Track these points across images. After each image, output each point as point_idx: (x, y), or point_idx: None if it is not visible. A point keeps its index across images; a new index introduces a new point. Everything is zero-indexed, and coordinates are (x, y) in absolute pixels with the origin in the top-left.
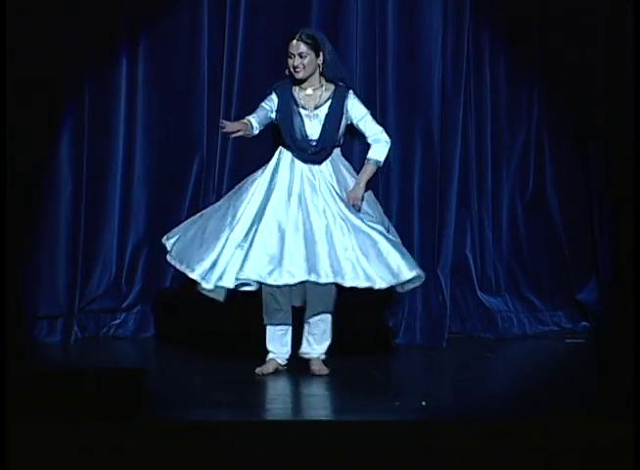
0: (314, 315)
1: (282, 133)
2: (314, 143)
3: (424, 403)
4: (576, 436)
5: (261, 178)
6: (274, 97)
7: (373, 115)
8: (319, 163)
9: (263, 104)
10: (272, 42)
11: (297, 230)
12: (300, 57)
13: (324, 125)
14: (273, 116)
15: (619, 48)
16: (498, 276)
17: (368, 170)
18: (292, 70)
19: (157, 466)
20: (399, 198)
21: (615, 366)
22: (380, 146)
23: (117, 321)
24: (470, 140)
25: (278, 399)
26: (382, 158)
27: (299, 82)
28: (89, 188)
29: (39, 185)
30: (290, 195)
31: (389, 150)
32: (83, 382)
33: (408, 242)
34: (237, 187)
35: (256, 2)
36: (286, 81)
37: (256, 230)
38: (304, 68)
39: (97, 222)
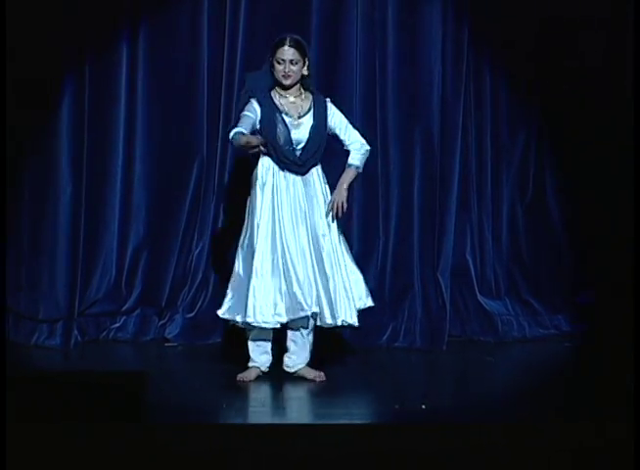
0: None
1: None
2: (299, 152)
3: (423, 407)
4: (576, 438)
5: (259, 209)
6: (256, 105)
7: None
8: (302, 174)
9: (247, 113)
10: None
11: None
12: (292, 64)
13: (310, 136)
14: (257, 124)
15: (619, 51)
16: (498, 279)
17: (350, 174)
18: (280, 76)
19: (155, 469)
20: (399, 201)
21: (614, 369)
22: (360, 152)
23: (117, 324)
24: (470, 143)
25: (277, 402)
26: (362, 163)
27: (282, 88)
28: (89, 191)
29: (39, 187)
30: (274, 225)
31: (367, 158)
32: (83, 385)
33: (408, 245)
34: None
35: (256, 5)
36: (259, 81)
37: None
38: (294, 74)
39: (97, 225)
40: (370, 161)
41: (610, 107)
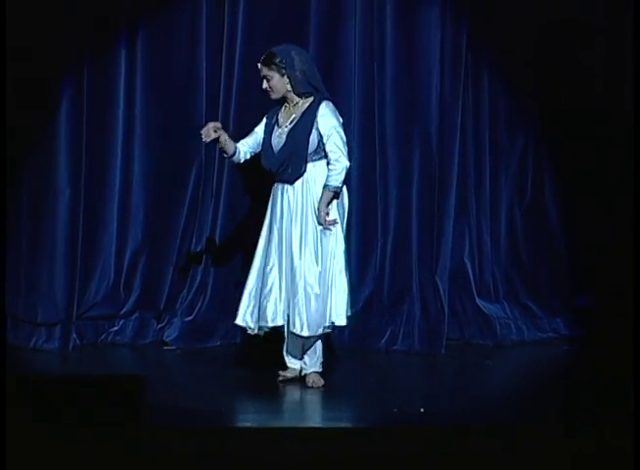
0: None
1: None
2: (275, 153)
3: (422, 410)
4: (574, 442)
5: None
6: (264, 120)
7: (345, 130)
8: (291, 182)
9: (255, 129)
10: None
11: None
12: (266, 80)
13: (287, 137)
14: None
15: (619, 52)
16: (496, 283)
17: (325, 197)
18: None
19: None
20: (397, 205)
21: (613, 373)
22: (336, 171)
23: (116, 328)
24: (468, 147)
25: (276, 406)
26: (339, 183)
27: (285, 101)
28: (87, 194)
29: (37, 190)
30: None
31: (347, 173)
32: (82, 389)
33: (406, 248)
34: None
35: (254, 8)
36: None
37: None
38: (272, 89)
39: (95, 229)
40: (369, 163)
41: (608, 110)
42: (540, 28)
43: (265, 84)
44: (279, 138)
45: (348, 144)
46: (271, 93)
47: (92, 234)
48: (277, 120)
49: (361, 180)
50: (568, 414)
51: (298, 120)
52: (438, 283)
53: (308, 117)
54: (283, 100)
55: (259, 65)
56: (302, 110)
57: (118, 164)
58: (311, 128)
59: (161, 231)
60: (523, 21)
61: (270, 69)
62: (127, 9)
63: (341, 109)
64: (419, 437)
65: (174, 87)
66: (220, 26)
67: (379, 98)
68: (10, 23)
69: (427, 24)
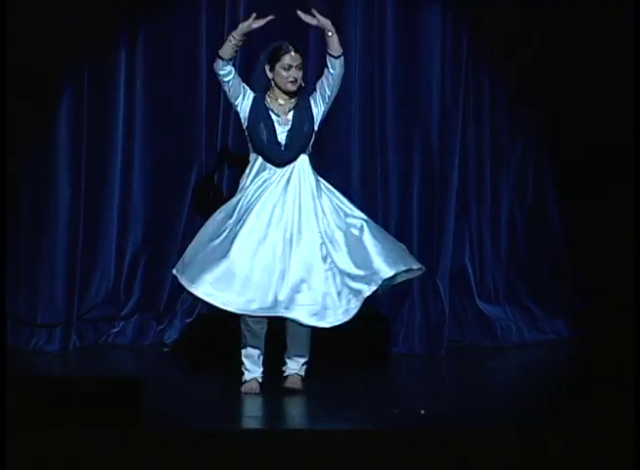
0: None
1: (253, 139)
2: (283, 148)
3: (423, 412)
4: (575, 443)
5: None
6: (249, 92)
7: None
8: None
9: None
10: None
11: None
12: (298, 69)
13: (290, 135)
14: (239, 103)
15: (621, 52)
16: (497, 285)
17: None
18: (287, 82)
19: None
20: (398, 206)
21: (613, 374)
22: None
23: (116, 330)
24: (469, 147)
25: (276, 407)
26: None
27: (273, 94)
28: (88, 196)
29: (37, 192)
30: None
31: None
32: (82, 390)
33: (408, 250)
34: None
35: (255, 9)
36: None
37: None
38: (299, 80)
39: (96, 230)
40: (369, 164)
41: (609, 111)
42: (542, 32)
43: (297, 73)
44: (282, 128)
45: (349, 144)
46: (296, 83)
47: (92, 235)
48: (266, 107)
49: (361, 181)
50: (569, 416)
51: (296, 112)
52: (439, 284)
53: (303, 112)
54: (266, 92)
55: (293, 53)
56: (294, 103)
57: (119, 164)
58: (311, 120)
59: (162, 232)
60: (524, 25)
61: (303, 59)
62: (127, 8)
63: (340, 109)
64: (419, 438)
65: (174, 87)
66: (221, 26)
67: (379, 98)
68: (10, 22)
69: (428, 24)
